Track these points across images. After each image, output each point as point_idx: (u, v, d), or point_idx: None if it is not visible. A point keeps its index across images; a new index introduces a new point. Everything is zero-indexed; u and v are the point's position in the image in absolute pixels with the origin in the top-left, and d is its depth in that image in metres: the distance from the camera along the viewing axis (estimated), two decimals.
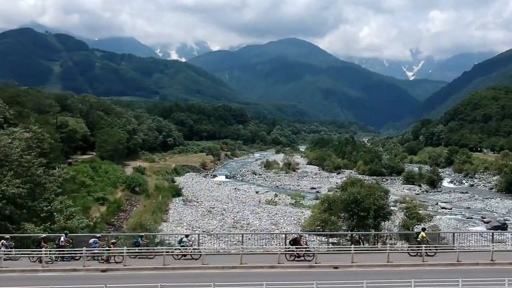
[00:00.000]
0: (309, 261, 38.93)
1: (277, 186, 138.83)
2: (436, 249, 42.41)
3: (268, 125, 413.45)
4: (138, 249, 39.54)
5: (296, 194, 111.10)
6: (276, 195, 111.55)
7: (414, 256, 41.07)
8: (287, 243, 41.78)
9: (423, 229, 45.47)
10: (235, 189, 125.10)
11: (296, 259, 39.50)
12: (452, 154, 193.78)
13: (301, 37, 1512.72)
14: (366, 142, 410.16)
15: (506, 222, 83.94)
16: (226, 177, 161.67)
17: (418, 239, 42.52)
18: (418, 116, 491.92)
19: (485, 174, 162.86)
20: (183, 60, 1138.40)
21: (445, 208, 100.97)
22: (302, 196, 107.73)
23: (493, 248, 40.71)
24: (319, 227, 65.45)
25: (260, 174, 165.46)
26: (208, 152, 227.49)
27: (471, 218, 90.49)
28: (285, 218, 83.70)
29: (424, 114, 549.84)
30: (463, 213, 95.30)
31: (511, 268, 37.87)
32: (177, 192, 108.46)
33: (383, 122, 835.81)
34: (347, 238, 55.78)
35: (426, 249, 40.68)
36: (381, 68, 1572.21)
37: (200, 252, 40.13)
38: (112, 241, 40.17)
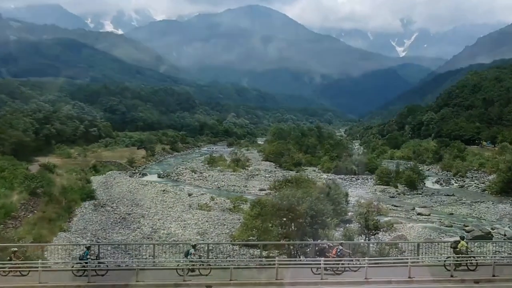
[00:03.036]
0: (339, 275, 41.47)
1: (218, 188, 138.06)
2: (477, 262, 43.44)
3: (221, 113, 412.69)
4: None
5: (237, 198, 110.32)
6: (212, 199, 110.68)
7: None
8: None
9: (462, 238, 45.96)
10: (163, 191, 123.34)
11: (324, 272, 41.20)
12: (441, 148, 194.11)
13: (265, 4, 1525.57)
14: (342, 133, 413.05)
15: (492, 231, 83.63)
16: (159, 176, 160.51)
17: (457, 249, 43.17)
18: (410, 102, 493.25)
19: (479, 172, 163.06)
20: (120, 32, 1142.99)
21: (422, 214, 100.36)
22: (245, 200, 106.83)
23: None
24: (253, 237, 64.58)
25: (200, 173, 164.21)
26: (140, 145, 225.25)
27: (451, 226, 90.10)
28: (217, 226, 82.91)
29: (417, 99, 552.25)
30: (442, 220, 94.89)
31: None
32: (89, 195, 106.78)
33: (366, 109, 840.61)
34: (284, 249, 55.22)
35: (467, 262, 42.61)
36: (364, 42, 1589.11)
37: (209, 265, 41.89)
38: (13, 249, 40.95)
